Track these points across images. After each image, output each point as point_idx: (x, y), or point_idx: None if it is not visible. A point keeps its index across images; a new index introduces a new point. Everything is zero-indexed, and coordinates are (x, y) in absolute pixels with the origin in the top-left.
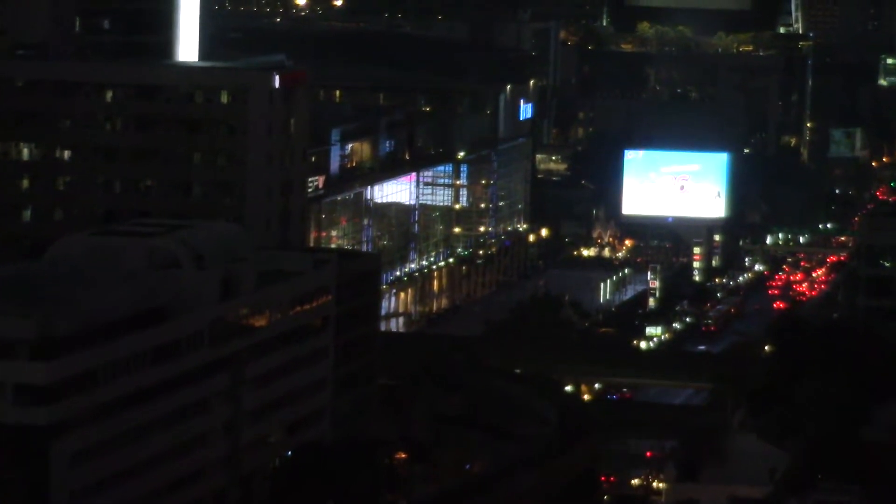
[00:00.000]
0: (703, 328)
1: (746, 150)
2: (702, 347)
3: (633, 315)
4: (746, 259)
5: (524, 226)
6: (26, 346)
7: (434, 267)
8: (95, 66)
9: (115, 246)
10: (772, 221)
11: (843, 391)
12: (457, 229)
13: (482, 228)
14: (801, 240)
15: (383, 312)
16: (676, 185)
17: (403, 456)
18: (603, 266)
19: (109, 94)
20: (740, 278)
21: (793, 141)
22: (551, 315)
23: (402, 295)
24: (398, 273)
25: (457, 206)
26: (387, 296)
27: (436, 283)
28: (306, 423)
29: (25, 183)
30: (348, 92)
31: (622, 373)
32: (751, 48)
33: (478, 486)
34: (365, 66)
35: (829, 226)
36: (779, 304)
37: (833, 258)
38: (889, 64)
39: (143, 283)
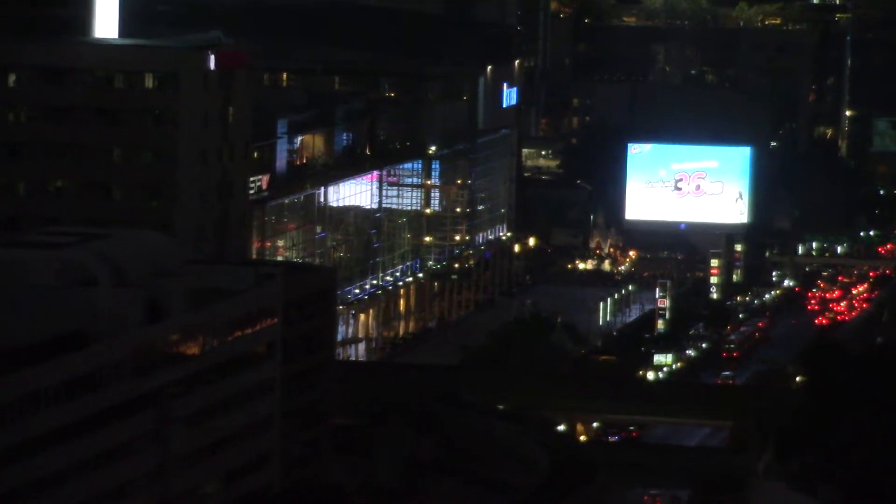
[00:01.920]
0: (724, 354)
1: (773, 144)
2: (722, 377)
3: (638, 340)
4: (773, 273)
5: (508, 234)
6: None
7: (400, 283)
8: None
9: (19, 259)
10: (803, 228)
11: (888, 432)
12: (427, 238)
13: (458, 237)
14: (839, 250)
15: (340, 337)
16: (690, 185)
17: None
18: (602, 282)
19: (12, 78)
20: (766, 296)
21: (829, 132)
22: (541, 340)
23: (363, 317)
24: (357, 291)
25: (427, 211)
26: (344, 318)
27: (402, 302)
28: (249, 470)
29: None
30: (298, 75)
31: (625, 409)
32: (778, 21)
33: None
34: (319, 45)
35: (871, 233)
36: (820, 321)
37: (876, 272)
38: None
39: (52, 303)
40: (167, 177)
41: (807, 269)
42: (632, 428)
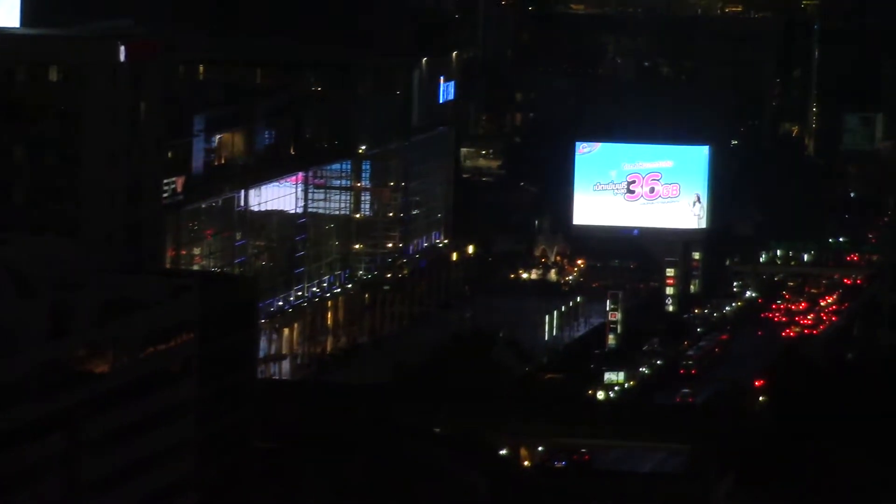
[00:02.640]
0: (681, 372)
1: (734, 142)
2: (680, 395)
3: (587, 356)
4: (735, 283)
5: (445, 241)
6: None
7: (328, 295)
8: None
9: None
10: (767, 234)
11: (859, 454)
12: (357, 246)
13: (390, 244)
14: (806, 258)
15: (262, 354)
16: (643, 187)
17: None
18: (548, 293)
19: None
20: (727, 308)
21: (795, 129)
22: (481, 357)
23: (287, 331)
24: (281, 303)
25: (357, 216)
26: (267, 332)
27: (330, 315)
28: (163, 499)
29: None
30: (217, 67)
31: (574, 431)
32: (740, 9)
33: None
34: (239, 34)
35: (841, 240)
36: (786, 334)
37: (847, 281)
38: None
39: None
40: (73, 178)
41: (771, 279)
42: (582, 451)
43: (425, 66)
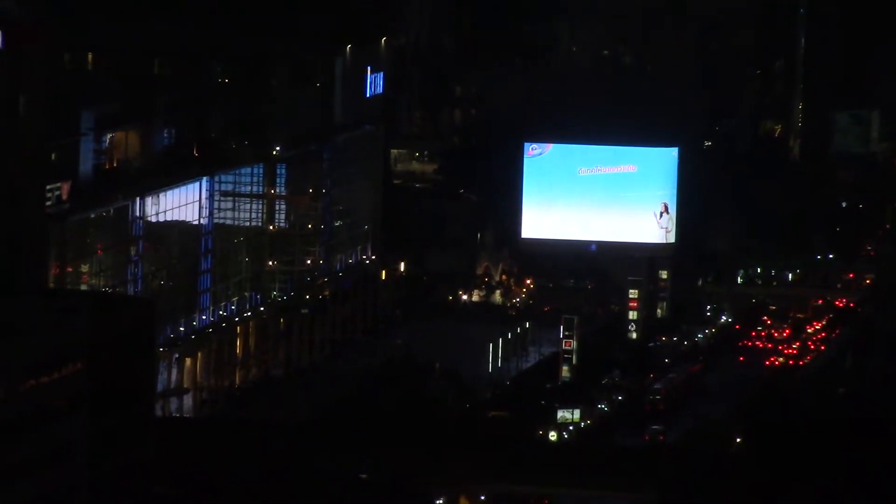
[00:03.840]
0: (647, 408)
1: (707, 143)
2: (649, 431)
3: (537, 391)
4: (707, 307)
5: (373, 257)
6: None
7: (237, 319)
8: None
9: None
10: (745, 251)
11: None
12: (271, 263)
13: (309, 261)
14: (790, 277)
15: (161, 387)
16: (602, 195)
17: None
18: (492, 318)
19: None
20: (699, 335)
21: (777, 129)
22: (414, 391)
23: (190, 361)
24: (183, 329)
25: (271, 228)
26: (166, 363)
27: (240, 343)
28: None
29: None
30: (109, 56)
31: (522, 477)
32: None
33: None
34: (135, 19)
35: (830, 257)
36: (768, 364)
37: (838, 304)
38: None
39: None
40: None
41: (750, 302)
42: (533, 500)
43: (350, 56)
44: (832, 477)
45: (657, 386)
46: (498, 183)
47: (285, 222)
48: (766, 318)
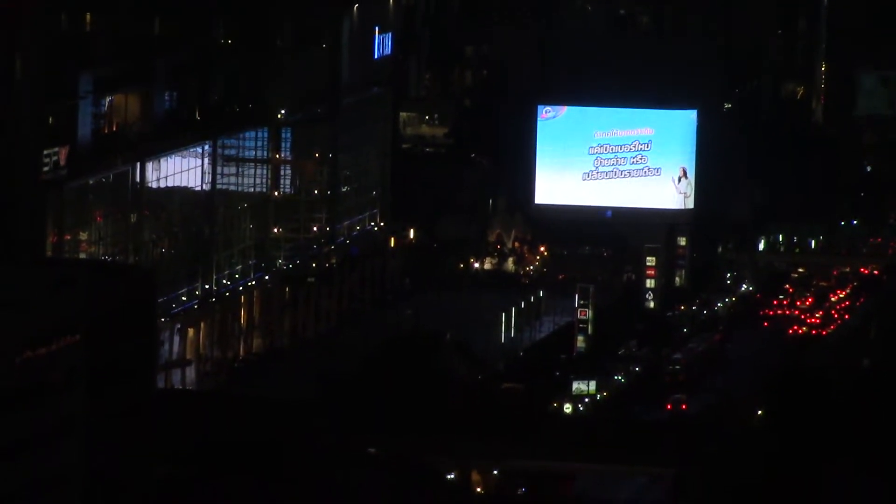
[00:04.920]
0: (666, 379)
1: (727, 106)
2: (671, 400)
3: (552, 363)
4: (728, 275)
5: (381, 224)
6: None
7: (241, 289)
8: None
9: None
10: (767, 217)
11: (875, 484)
12: (276, 230)
13: (316, 229)
14: (813, 245)
15: (162, 360)
16: (618, 159)
17: None
18: (505, 287)
19: None
20: (719, 304)
21: (800, 91)
22: (424, 363)
23: (192, 332)
24: (185, 298)
25: (276, 195)
26: (167, 334)
27: (244, 313)
28: None
29: None
30: (107, 17)
31: (535, 452)
32: None
33: None
34: None
35: (855, 223)
36: (791, 333)
37: (863, 272)
38: None
39: None
40: None
41: (772, 270)
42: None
43: (357, 15)
44: (855, 451)
45: (676, 356)
46: (510, 147)
47: (291, 188)
48: (788, 286)
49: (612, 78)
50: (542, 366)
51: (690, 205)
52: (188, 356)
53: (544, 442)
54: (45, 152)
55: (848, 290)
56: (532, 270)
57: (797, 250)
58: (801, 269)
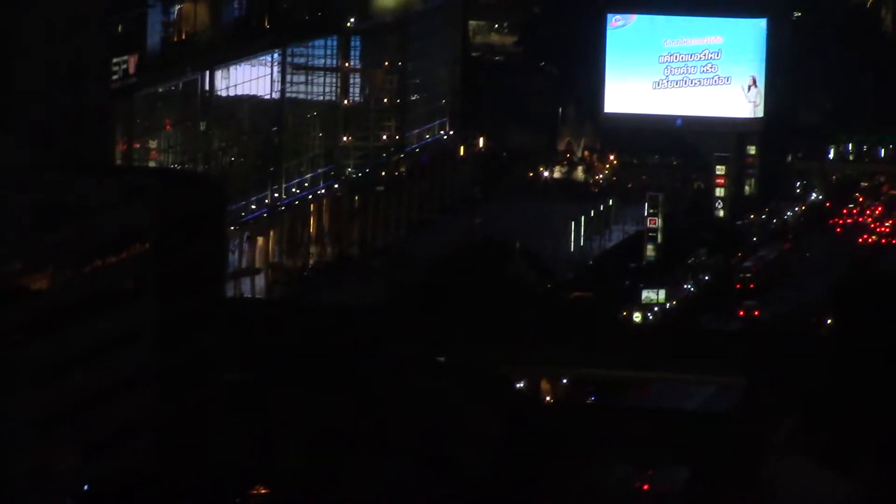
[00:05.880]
0: (737, 286)
1: (797, 14)
2: (744, 306)
3: (621, 272)
4: (798, 183)
5: (450, 133)
6: None
7: (310, 197)
8: None
9: None
10: (837, 125)
11: None
12: (345, 138)
13: (385, 137)
14: (883, 153)
15: (232, 268)
16: (688, 68)
17: (264, 492)
18: (574, 196)
19: None
20: (788, 213)
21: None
22: (493, 272)
23: (262, 241)
24: (255, 207)
25: (345, 103)
26: (237, 242)
27: (313, 222)
28: (114, 443)
29: None
30: None
31: (604, 361)
32: None
33: None
34: None
35: None
36: (860, 242)
37: None
38: None
39: None
40: (1, 56)
41: (841, 178)
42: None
43: None
44: None
45: (747, 264)
46: (580, 55)
47: (360, 97)
48: (857, 194)
49: None
50: (612, 275)
51: (760, 113)
52: (257, 265)
53: (613, 351)
54: (115, 60)
55: None
56: (601, 179)
57: (866, 159)
58: (872, 177)
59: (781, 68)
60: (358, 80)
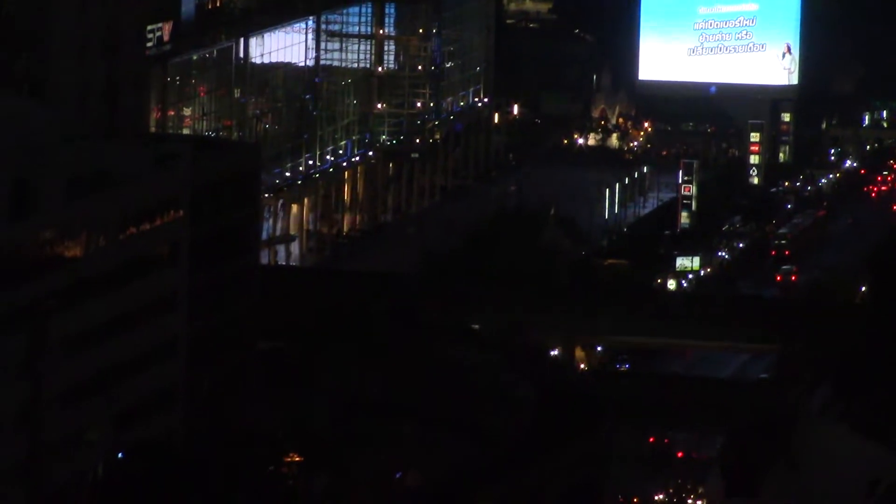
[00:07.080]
0: (772, 252)
1: None
2: (781, 272)
3: (655, 239)
4: (832, 151)
5: (485, 100)
6: None
7: (345, 164)
8: None
9: None
10: (871, 92)
11: None
12: (380, 105)
13: (419, 104)
14: None
15: (265, 236)
16: (722, 35)
17: (298, 459)
18: (608, 162)
19: None
20: (822, 181)
21: None
22: (528, 239)
23: (296, 208)
24: (289, 174)
25: (380, 70)
26: (271, 209)
27: (347, 189)
28: (146, 411)
29: None
30: None
31: (640, 329)
32: None
33: None
34: None
35: None
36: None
37: None
38: None
39: None
40: (36, 25)
41: (876, 146)
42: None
43: None
44: None
45: (782, 231)
46: (615, 22)
47: (394, 64)
48: (892, 162)
49: None
50: (646, 241)
51: (795, 81)
52: (292, 231)
53: (649, 318)
54: (149, 28)
55: None
56: (636, 146)
57: None
58: None
59: (816, 35)
60: (392, 48)
